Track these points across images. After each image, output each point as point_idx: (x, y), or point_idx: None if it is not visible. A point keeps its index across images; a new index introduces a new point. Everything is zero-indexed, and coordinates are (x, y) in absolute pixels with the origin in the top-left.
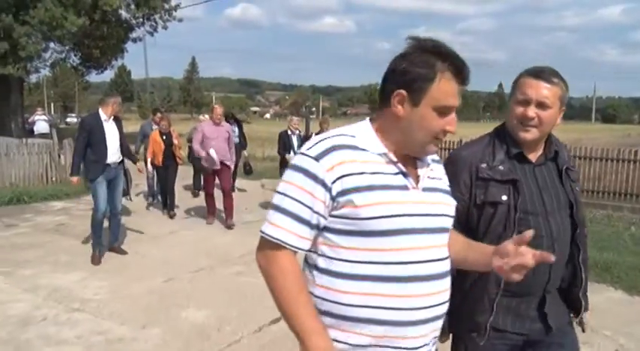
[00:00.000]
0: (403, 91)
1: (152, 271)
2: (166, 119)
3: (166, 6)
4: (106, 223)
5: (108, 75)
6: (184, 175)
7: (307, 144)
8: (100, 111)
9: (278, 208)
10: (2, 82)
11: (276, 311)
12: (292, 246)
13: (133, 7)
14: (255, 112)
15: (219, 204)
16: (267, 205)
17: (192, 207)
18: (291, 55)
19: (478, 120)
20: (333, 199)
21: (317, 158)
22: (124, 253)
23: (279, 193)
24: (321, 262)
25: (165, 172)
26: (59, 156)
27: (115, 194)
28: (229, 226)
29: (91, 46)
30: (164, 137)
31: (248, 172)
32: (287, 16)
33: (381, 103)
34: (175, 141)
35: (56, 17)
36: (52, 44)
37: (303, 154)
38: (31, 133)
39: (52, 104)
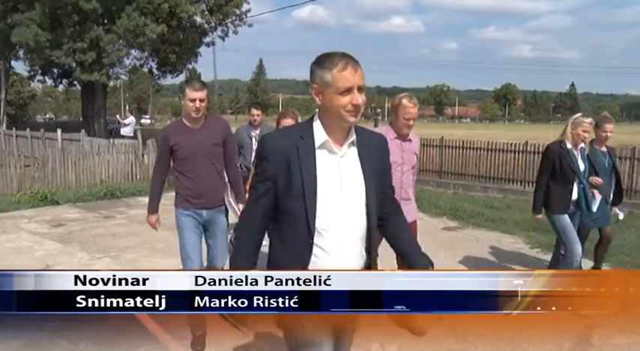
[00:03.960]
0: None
1: None
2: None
3: (237, 12)
4: None
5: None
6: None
7: None
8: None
9: None
10: (88, 88)
11: None
12: None
13: (207, 13)
14: None
15: None
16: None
17: None
18: (356, 56)
19: (548, 121)
20: None
21: None
22: None
23: None
24: None
25: None
26: (143, 155)
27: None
28: None
29: (167, 52)
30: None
31: None
32: (355, 17)
33: None
34: None
35: (140, 26)
36: (132, 51)
37: None
38: (110, 133)
39: (127, 106)
